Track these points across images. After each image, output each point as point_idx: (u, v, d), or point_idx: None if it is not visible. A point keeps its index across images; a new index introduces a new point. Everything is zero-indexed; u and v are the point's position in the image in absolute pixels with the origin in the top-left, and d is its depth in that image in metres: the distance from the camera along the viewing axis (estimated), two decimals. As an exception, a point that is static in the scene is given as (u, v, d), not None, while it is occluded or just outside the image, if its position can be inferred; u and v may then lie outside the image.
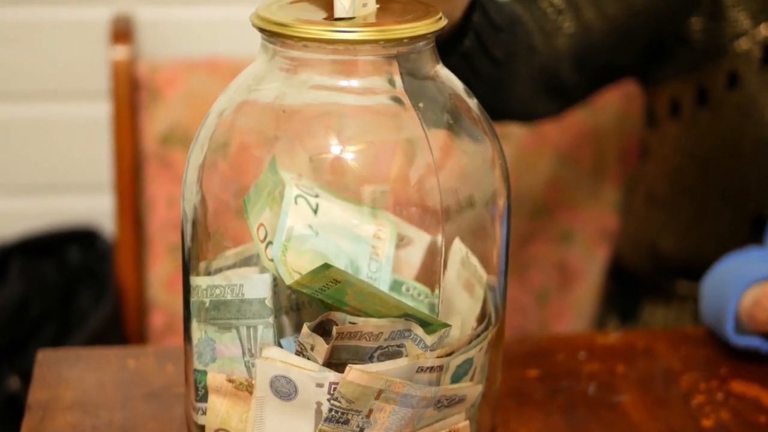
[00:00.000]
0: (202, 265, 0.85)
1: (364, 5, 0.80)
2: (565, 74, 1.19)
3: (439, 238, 0.82)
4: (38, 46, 1.73)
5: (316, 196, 0.82)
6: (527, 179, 1.58)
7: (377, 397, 0.77)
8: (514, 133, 1.56)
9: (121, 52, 1.56)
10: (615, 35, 1.21)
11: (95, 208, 1.78)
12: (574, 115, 1.56)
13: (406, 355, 0.79)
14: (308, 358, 0.78)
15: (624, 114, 1.58)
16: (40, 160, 1.78)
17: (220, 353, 0.82)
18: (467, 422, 0.83)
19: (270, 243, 0.80)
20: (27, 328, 1.61)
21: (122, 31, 1.60)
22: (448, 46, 1.03)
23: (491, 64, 1.09)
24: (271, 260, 0.80)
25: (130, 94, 1.55)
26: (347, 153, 0.81)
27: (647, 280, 1.38)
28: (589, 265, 1.62)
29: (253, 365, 0.80)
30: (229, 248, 0.85)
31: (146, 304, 1.62)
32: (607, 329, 1.44)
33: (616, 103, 1.57)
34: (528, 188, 1.59)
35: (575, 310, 1.63)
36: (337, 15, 0.79)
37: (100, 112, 1.72)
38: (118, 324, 1.61)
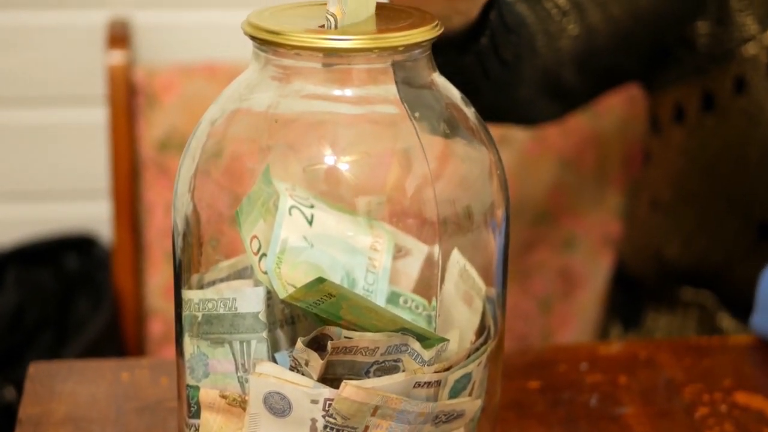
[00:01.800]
0: (195, 278, 0.84)
1: (361, 12, 0.78)
2: (567, 77, 1.18)
3: (436, 250, 0.80)
4: (34, 51, 1.72)
5: (312, 206, 0.80)
6: (529, 185, 1.57)
7: (373, 414, 0.75)
8: (516, 138, 1.55)
9: (117, 56, 1.55)
10: (619, 38, 1.19)
11: (92, 214, 1.77)
12: (576, 120, 1.55)
13: (403, 370, 0.77)
14: (303, 374, 0.76)
15: (627, 119, 1.57)
16: (36, 166, 1.77)
17: (212, 368, 0.80)
18: (466, 438, 0.82)
19: (264, 255, 0.79)
20: (23, 336, 1.60)
21: (119, 36, 1.59)
22: (464, 45, 1.01)
23: (500, 66, 1.07)
24: (265, 273, 0.78)
25: (127, 100, 1.54)
26: (342, 163, 0.79)
27: (651, 287, 1.36)
28: (593, 272, 1.61)
29: (247, 381, 0.78)
30: (222, 260, 0.84)
31: (144, 312, 1.61)
32: (610, 337, 1.42)
33: (618, 108, 1.56)
34: (530, 194, 1.57)
35: (578, 316, 1.62)
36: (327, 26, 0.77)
37: (97, 117, 1.71)
38: (116, 332, 1.59)
